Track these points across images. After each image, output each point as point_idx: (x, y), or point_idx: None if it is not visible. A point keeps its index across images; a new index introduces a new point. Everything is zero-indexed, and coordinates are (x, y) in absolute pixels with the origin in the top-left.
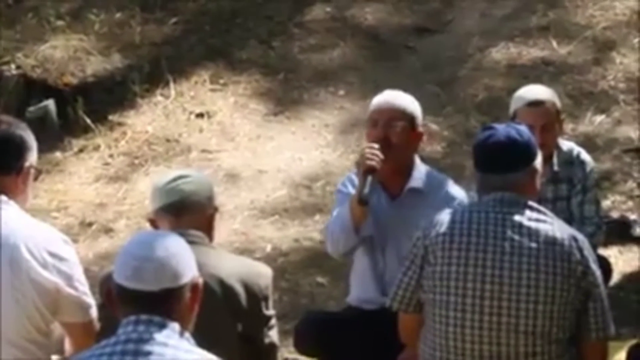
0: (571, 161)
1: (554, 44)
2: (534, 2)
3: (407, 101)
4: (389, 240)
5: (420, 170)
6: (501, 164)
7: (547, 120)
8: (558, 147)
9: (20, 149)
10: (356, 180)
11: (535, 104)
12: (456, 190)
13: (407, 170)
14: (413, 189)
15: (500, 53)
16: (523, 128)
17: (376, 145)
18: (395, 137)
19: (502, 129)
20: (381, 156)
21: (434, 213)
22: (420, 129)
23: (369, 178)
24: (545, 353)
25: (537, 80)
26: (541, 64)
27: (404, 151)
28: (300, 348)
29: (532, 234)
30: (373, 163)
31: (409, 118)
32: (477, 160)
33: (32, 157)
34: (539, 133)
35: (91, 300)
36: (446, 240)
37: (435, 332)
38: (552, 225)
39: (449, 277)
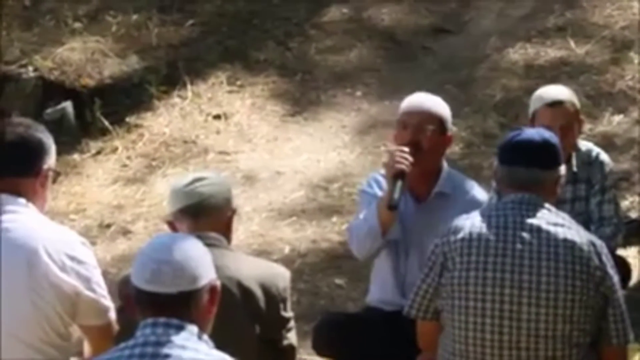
0: (590, 162)
1: (572, 44)
2: (551, 2)
3: (437, 105)
4: (413, 244)
5: (447, 173)
6: (530, 157)
7: (566, 121)
8: (577, 148)
9: (38, 151)
10: (381, 181)
11: (555, 104)
12: (481, 194)
13: (434, 174)
14: (440, 193)
15: (518, 53)
16: (553, 135)
17: (406, 149)
18: (425, 141)
19: (532, 130)
20: (411, 159)
21: (459, 215)
22: (450, 133)
23: (399, 182)
24: (566, 357)
25: (555, 80)
26: (559, 64)
27: (433, 155)
28: (319, 350)
29: (551, 238)
30: (403, 167)
31: (439, 122)
32: (504, 154)
33: (51, 160)
34: (559, 133)
35: (110, 303)
36: (464, 246)
37: (454, 337)
38: (570, 230)
39: (467, 282)
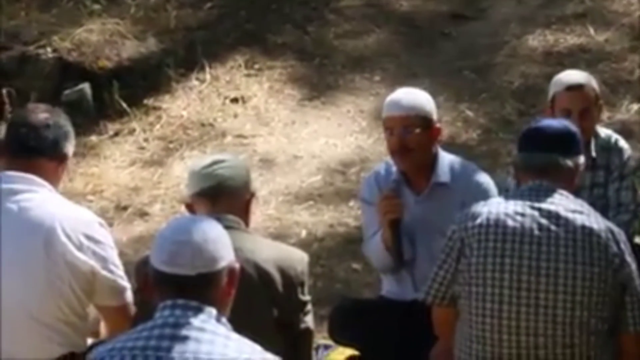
0: (609, 148)
1: (591, 31)
2: None
3: (419, 102)
4: (418, 236)
5: (444, 162)
6: (549, 142)
7: (585, 104)
8: (596, 134)
9: (66, 137)
10: (374, 183)
11: (574, 88)
12: (481, 177)
13: (430, 165)
14: (438, 184)
15: (537, 40)
16: (573, 124)
17: (394, 197)
18: (412, 143)
19: (552, 119)
20: (400, 205)
21: (460, 203)
22: (437, 125)
23: (399, 228)
24: (584, 344)
25: (574, 67)
26: (578, 51)
27: (423, 152)
28: (335, 336)
29: (569, 224)
30: (394, 215)
31: (424, 120)
32: (523, 141)
33: (72, 147)
34: (578, 117)
35: (126, 284)
36: (482, 232)
37: (471, 324)
38: (588, 217)
39: (485, 268)
